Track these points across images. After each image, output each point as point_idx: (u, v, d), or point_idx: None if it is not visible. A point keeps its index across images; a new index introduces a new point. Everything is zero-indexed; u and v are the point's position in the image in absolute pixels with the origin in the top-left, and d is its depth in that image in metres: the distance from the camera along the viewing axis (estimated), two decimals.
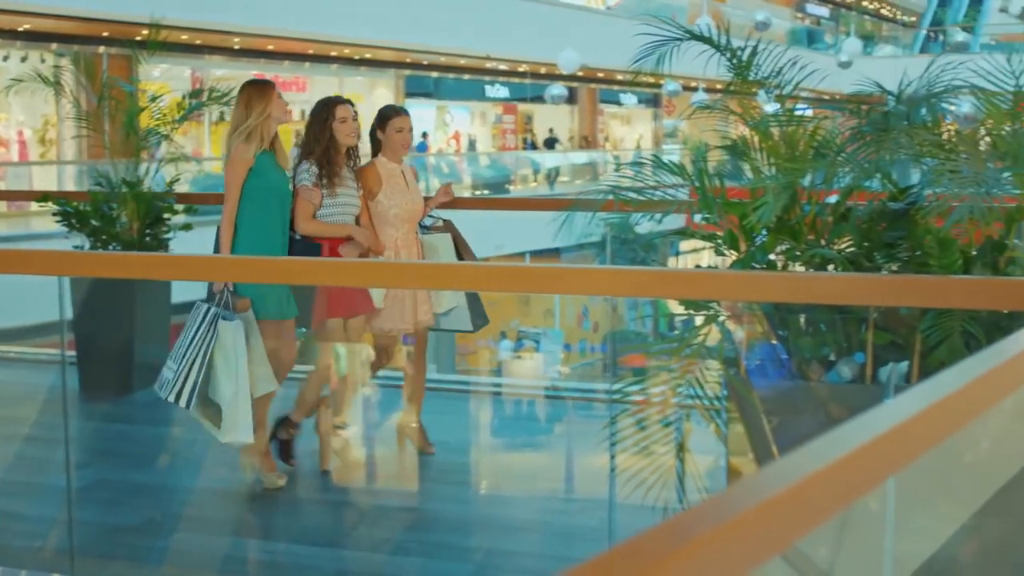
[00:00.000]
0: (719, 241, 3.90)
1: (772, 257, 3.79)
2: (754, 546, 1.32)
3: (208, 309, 5.40)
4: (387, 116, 6.36)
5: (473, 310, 6.68)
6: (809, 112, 4.34)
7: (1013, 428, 3.41)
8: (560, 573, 1.08)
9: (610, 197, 3.98)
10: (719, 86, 4.28)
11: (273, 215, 5.73)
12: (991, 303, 3.27)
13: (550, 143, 33.72)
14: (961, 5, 46.10)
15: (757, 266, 3.74)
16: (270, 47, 24.09)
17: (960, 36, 39.20)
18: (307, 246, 5.86)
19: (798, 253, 3.72)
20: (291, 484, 5.76)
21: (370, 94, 29.57)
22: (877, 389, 3.73)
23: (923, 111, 3.68)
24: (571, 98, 33.92)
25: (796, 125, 3.81)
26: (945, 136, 3.65)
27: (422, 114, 32.15)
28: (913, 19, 49.47)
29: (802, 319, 3.85)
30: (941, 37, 42.93)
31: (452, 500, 5.90)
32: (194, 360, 5.30)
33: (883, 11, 50.11)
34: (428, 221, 6.64)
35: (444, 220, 6.79)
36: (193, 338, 5.36)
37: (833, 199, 3.90)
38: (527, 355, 20.39)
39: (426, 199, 6.53)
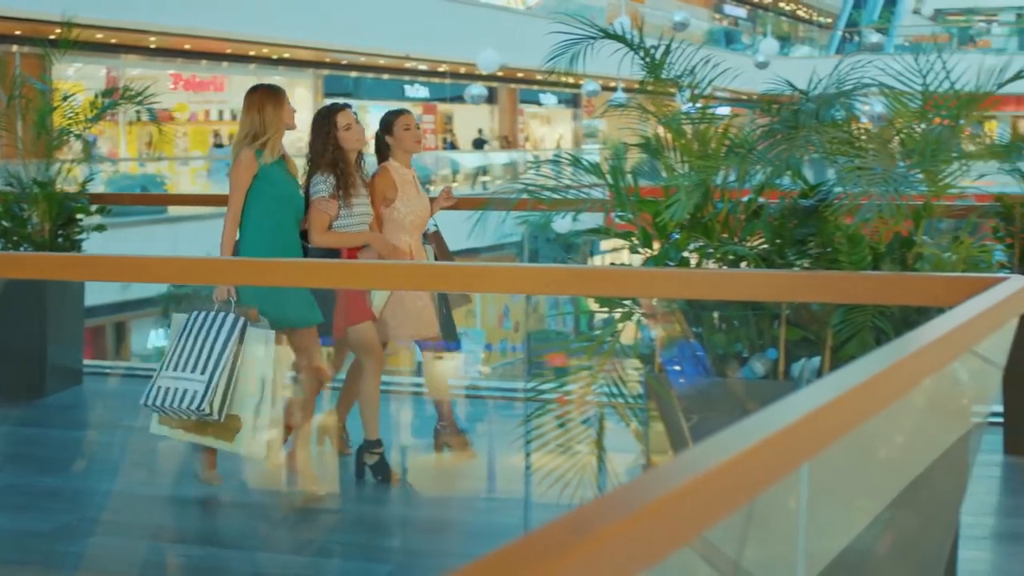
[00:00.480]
0: (633, 239, 3.91)
1: (685, 254, 3.81)
2: (658, 538, 1.32)
3: (235, 319, 5.27)
4: (391, 119, 6.22)
5: (446, 328, 6.64)
6: (728, 111, 4.38)
7: (925, 423, 3.46)
8: (455, 570, 1.07)
9: (524, 196, 3.99)
10: (638, 86, 4.30)
11: (287, 225, 5.62)
12: (899, 298, 3.31)
13: (479, 143, 33.70)
14: (875, 6, 46.74)
15: (671, 263, 3.77)
16: (187, 46, 23.85)
17: (875, 37, 39.69)
18: (323, 256, 5.74)
19: (711, 250, 3.75)
20: (212, 488, 5.70)
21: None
22: (790, 385, 3.77)
23: (833, 109, 3.72)
24: (491, 98, 33.92)
25: (708, 123, 3.84)
26: (855, 134, 3.69)
27: None
28: (829, 20, 50.08)
29: (716, 316, 3.88)
30: (856, 38, 43.46)
31: (372, 501, 5.88)
32: (224, 370, 5.17)
33: (800, 12, 50.68)
34: (429, 227, 6.55)
35: (435, 229, 6.71)
36: (223, 348, 5.21)
37: (746, 197, 3.94)
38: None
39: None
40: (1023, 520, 5.38)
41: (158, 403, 5.27)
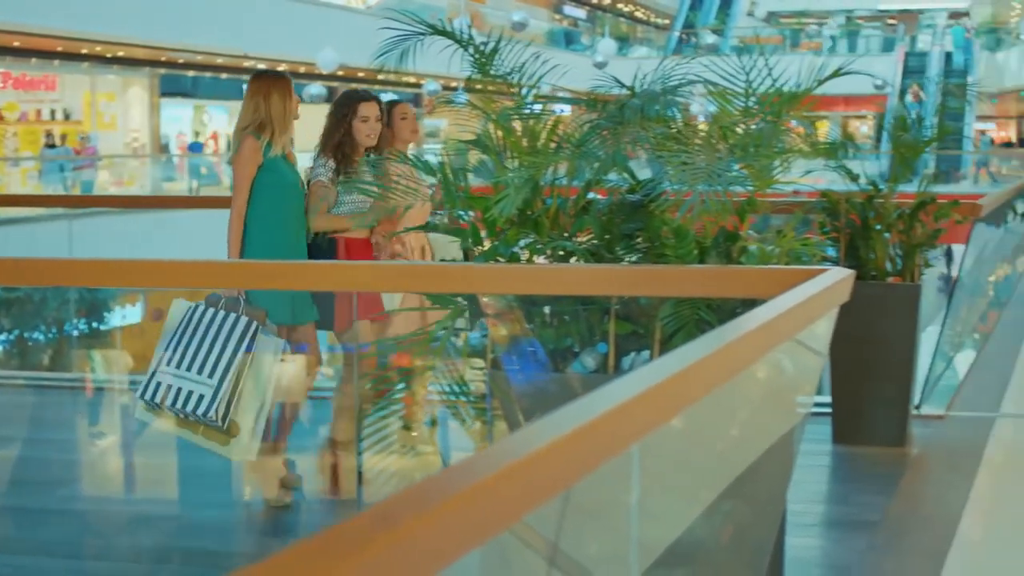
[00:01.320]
0: (462, 234, 3.91)
1: (516, 250, 3.82)
2: (469, 527, 1.31)
3: (247, 322, 5.00)
4: (388, 109, 5.99)
5: None
6: (568, 110, 4.41)
7: (753, 413, 3.52)
8: (251, 566, 1.04)
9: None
10: (479, 86, 4.30)
11: (290, 215, 5.39)
12: (724, 291, 3.37)
13: None
14: (711, 8, 47.66)
15: (501, 260, 3.77)
16: (16, 44, 23.18)
17: (711, 39, 40.50)
18: (324, 245, 5.51)
19: (540, 246, 3.77)
20: (40, 494, 5.54)
21: (124, 93, 28.77)
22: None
23: (659, 106, 3.77)
24: (331, 98, 33.69)
25: (535, 119, 3.86)
26: (680, 130, 3.74)
27: (178, 114, 31.43)
28: (666, 22, 50.88)
29: (547, 312, 3.90)
30: (693, 39, 44.26)
31: (213, 506, 5.78)
32: (232, 376, 4.94)
33: (638, 14, 51.39)
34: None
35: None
36: (233, 354, 4.96)
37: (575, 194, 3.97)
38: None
39: None
40: (850, 507, 5.52)
41: (157, 400, 5.03)
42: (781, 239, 3.75)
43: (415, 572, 1.18)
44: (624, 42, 42.03)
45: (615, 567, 3.11)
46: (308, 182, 5.61)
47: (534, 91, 4.01)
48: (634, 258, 3.78)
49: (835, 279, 3.02)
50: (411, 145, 6.15)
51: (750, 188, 3.79)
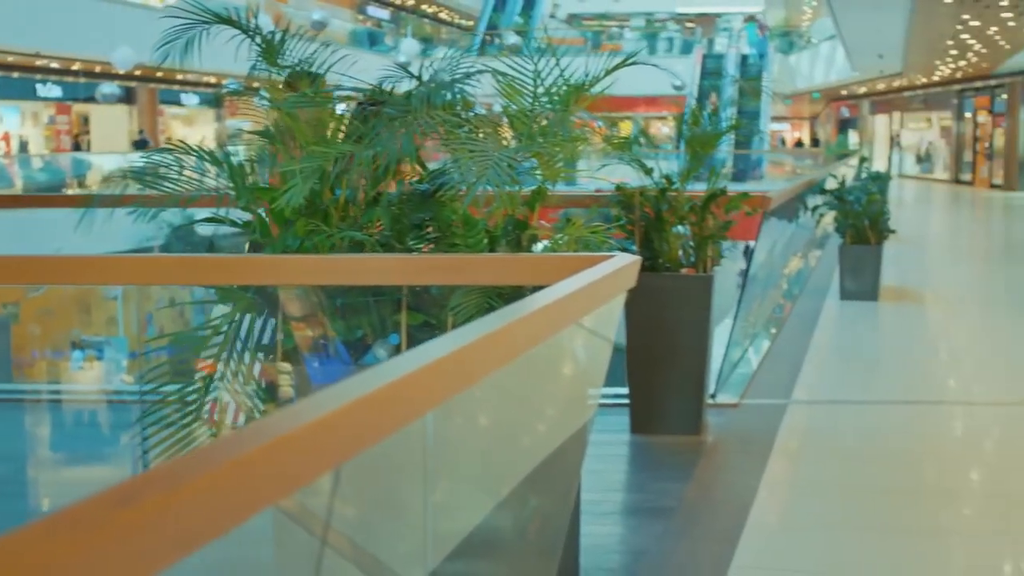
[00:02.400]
0: (251, 227, 3.84)
1: (305, 243, 3.76)
2: (221, 507, 1.26)
3: None
4: None
5: None
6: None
7: (547, 403, 3.53)
8: None
9: (128, 189, 3.83)
10: (282, 85, 4.21)
11: None
12: (513, 278, 3.37)
13: (140, 144, 32.46)
14: (514, 10, 48.03)
15: (289, 251, 3.71)
16: None
17: (514, 39, 40.79)
18: None
19: (330, 237, 3.71)
20: None
21: None
22: None
23: (448, 94, 3.76)
24: (129, 98, 32.90)
25: (318, 107, 3.80)
26: (467, 119, 3.73)
27: None
28: (471, 23, 51.11)
29: (338, 303, 3.85)
30: (497, 40, 44.52)
31: (8, 517, 5.56)
32: None
33: (442, 15, 51.50)
34: None
35: None
36: None
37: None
38: (90, 365, 19.62)
39: None
40: (647, 495, 5.60)
41: None
42: (570, 227, 3.77)
43: (157, 556, 1.12)
44: (428, 43, 42.02)
45: (410, 559, 3.09)
46: None
47: (322, 81, 3.95)
48: (425, 248, 3.76)
49: (621, 264, 3.05)
50: None
51: (539, 178, 3.80)
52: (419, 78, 3.86)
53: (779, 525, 5.40)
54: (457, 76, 3.78)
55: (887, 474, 6.07)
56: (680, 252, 6.48)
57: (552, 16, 47.34)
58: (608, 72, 4.07)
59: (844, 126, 57.67)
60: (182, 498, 1.18)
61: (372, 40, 42.27)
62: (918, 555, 4.96)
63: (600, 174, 6.72)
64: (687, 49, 46.18)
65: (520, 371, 3.18)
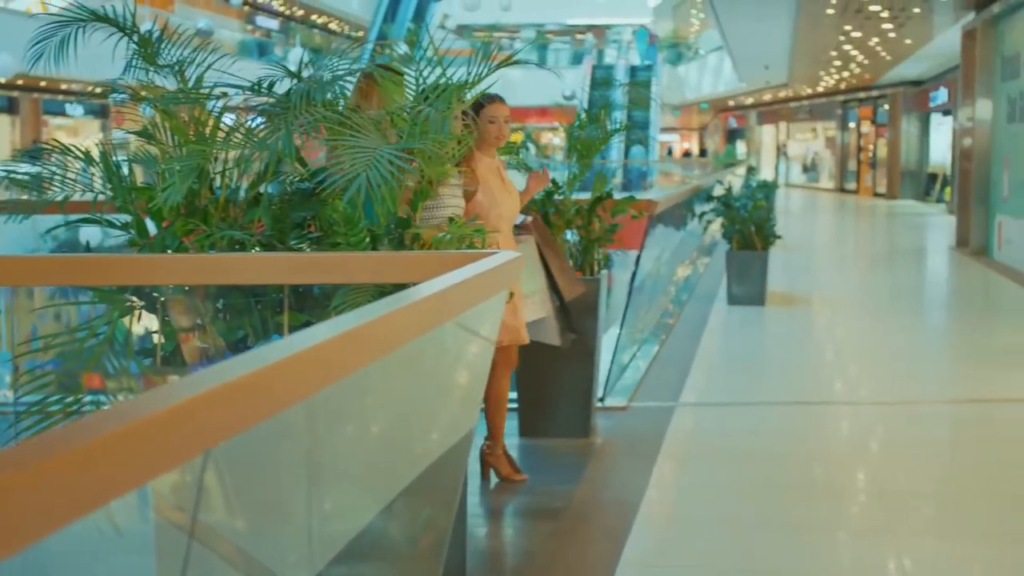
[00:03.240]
0: (128, 228, 3.76)
1: (184, 242, 3.70)
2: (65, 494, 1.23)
3: None
4: (479, 105, 5.59)
5: (563, 321, 6.13)
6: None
7: (432, 407, 3.51)
8: None
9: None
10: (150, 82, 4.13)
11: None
12: (395, 276, 3.34)
13: (34, 153, 31.75)
14: (405, 21, 47.97)
15: (168, 251, 3.65)
16: None
17: (404, 50, 40.68)
18: None
19: (209, 236, 3.66)
20: None
21: None
22: None
23: (329, 93, 3.73)
24: (12, 108, 32.25)
25: (200, 105, 3.75)
26: (348, 116, 3.70)
27: None
28: (361, 33, 50.92)
29: (219, 304, 3.79)
30: (388, 51, 44.35)
31: None
32: None
33: (332, 25, 51.23)
34: (517, 219, 5.98)
35: (531, 217, 6.11)
36: None
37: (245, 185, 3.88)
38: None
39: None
40: (536, 497, 5.60)
41: None
42: (452, 226, 3.76)
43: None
44: (318, 53, 41.78)
45: (295, 562, 3.05)
46: None
47: (201, 78, 3.89)
48: (306, 247, 3.72)
49: (502, 261, 3.04)
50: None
51: (418, 175, 3.79)
52: (298, 75, 3.82)
53: (667, 523, 5.43)
54: (338, 73, 3.75)
55: (774, 473, 6.14)
56: (568, 256, 6.51)
57: (442, 27, 47.35)
58: (491, 71, 4.07)
59: (732, 136, 58.47)
60: (27, 482, 1.14)
61: (262, 50, 41.90)
62: (805, 551, 5.02)
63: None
64: (577, 60, 46.53)
65: (401, 370, 3.16)
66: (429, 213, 5.19)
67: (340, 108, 3.73)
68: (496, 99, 5.66)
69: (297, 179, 3.79)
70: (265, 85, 3.78)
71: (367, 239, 3.56)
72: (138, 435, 1.35)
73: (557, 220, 6.46)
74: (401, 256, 3.40)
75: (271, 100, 3.73)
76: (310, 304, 3.77)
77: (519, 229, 5.98)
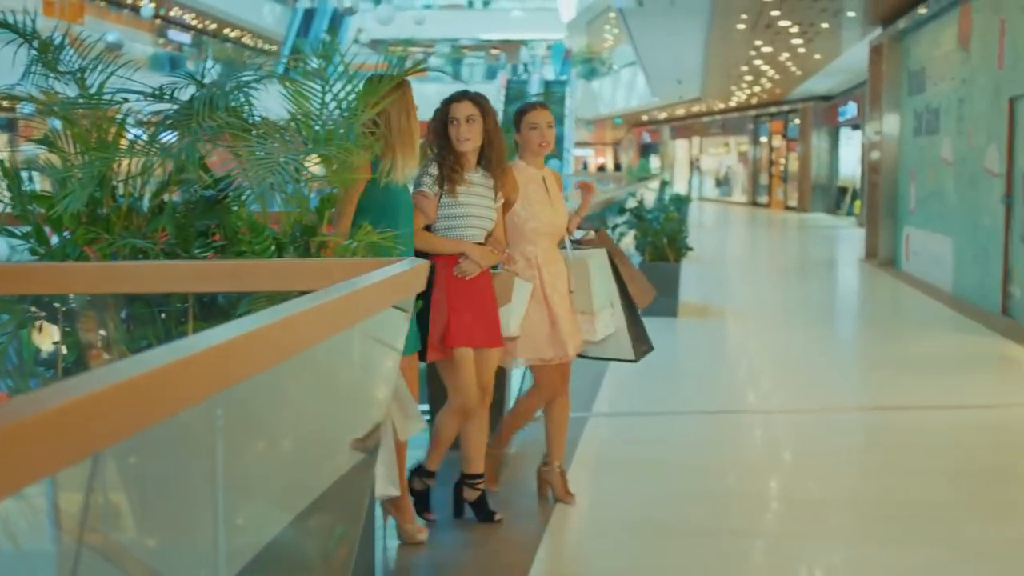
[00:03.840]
0: (27, 237, 3.69)
1: (86, 251, 3.64)
2: None
3: None
4: (522, 112, 5.41)
5: (635, 335, 5.89)
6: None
7: (335, 413, 3.48)
8: None
9: None
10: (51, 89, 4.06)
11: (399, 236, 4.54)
12: (301, 284, 3.31)
13: None
14: (319, 34, 47.78)
15: (69, 260, 3.58)
16: None
17: (317, 63, 40.50)
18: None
19: (111, 245, 3.60)
20: None
21: None
22: None
23: (233, 100, 3.69)
24: None
25: (101, 112, 3.69)
26: (253, 123, 3.66)
27: None
28: (275, 47, 50.63)
29: (123, 314, 3.73)
30: (302, 65, 44.12)
31: None
32: None
33: (245, 39, 50.89)
34: (579, 233, 5.77)
35: (597, 230, 5.92)
36: None
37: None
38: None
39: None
40: (446, 509, 5.57)
41: None
42: (360, 233, 3.74)
43: None
44: (230, 67, 41.46)
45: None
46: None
47: (103, 84, 3.83)
48: (211, 255, 3.68)
49: (405, 268, 3.02)
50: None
51: (327, 183, 3.76)
52: (200, 81, 3.78)
53: (578, 532, 5.44)
54: (244, 79, 3.71)
55: (686, 481, 6.17)
56: None
57: (356, 41, 47.25)
58: (400, 76, 4.06)
59: (646, 151, 58.86)
60: None
61: (173, 64, 41.47)
62: (716, 558, 5.04)
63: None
64: (491, 74, 46.67)
65: (303, 380, 3.12)
66: (445, 223, 5.08)
67: (244, 115, 3.69)
68: (536, 105, 5.47)
69: (201, 187, 3.74)
70: (168, 92, 3.73)
71: (273, 247, 3.53)
72: (19, 436, 1.32)
73: None
74: (306, 263, 3.37)
75: (174, 107, 3.68)
76: (215, 313, 3.72)
77: (576, 244, 5.74)
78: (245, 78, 3.72)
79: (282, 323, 2.10)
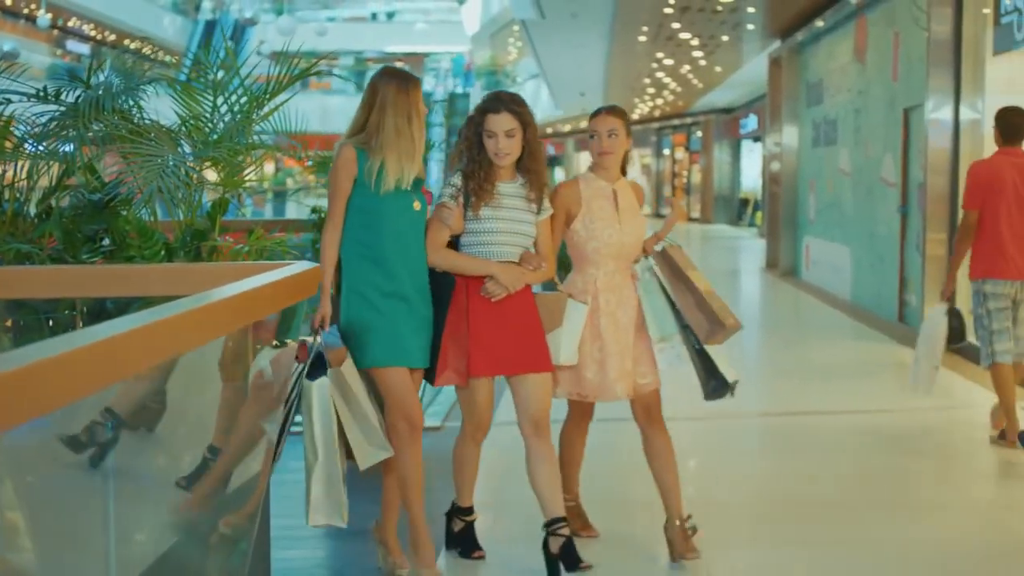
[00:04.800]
0: None
1: None
2: None
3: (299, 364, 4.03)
4: (591, 118, 4.96)
5: (705, 370, 5.27)
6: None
7: (229, 423, 3.43)
8: None
9: None
10: None
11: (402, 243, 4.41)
12: (190, 287, 3.26)
13: None
14: (220, 46, 47.33)
15: None
16: None
17: (220, 74, 40.18)
18: (441, 280, 4.52)
19: None
20: None
21: None
22: None
23: (122, 102, 3.62)
24: None
25: None
26: (141, 126, 3.60)
27: None
28: (176, 59, 50.11)
29: (8, 322, 3.64)
30: (203, 78, 43.71)
31: None
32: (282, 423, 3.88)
33: (146, 50, 50.30)
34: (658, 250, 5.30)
35: (675, 246, 5.37)
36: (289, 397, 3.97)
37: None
38: None
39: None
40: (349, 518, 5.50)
41: None
42: (253, 238, 3.69)
43: None
44: (132, 77, 40.97)
45: None
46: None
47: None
48: (99, 260, 3.60)
49: (298, 271, 2.98)
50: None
51: (217, 188, 3.71)
52: (87, 83, 3.71)
53: (483, 540, 5.40)
54: (134, 82, 3.65)
55: (591, 487, 6.16)
56: None
57: (258, 53, 46.95)
58: (291, 81, 4.02)
59: (551, 163, 59.01)
60: None
61: (71, 75, 40.94)
62: (621, 563, 5.05)
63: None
64: None
65: (194, 386, 3.07)
66: (469, 238, 4.68)
67: (134, 118, 3.63)
68: (600, 111, 5.02)
69: (88, 190, 3.67)
70: (52, 94, 3.65)
71: (163, 251, 3.46)
72: None
73: None
74: (196, 267, 3.31)
75: (60, 109, 3.60)
76: (104, 320, 3.65)
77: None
78: (133, 82, 3.65)
79: (164, 323, 2.05)
